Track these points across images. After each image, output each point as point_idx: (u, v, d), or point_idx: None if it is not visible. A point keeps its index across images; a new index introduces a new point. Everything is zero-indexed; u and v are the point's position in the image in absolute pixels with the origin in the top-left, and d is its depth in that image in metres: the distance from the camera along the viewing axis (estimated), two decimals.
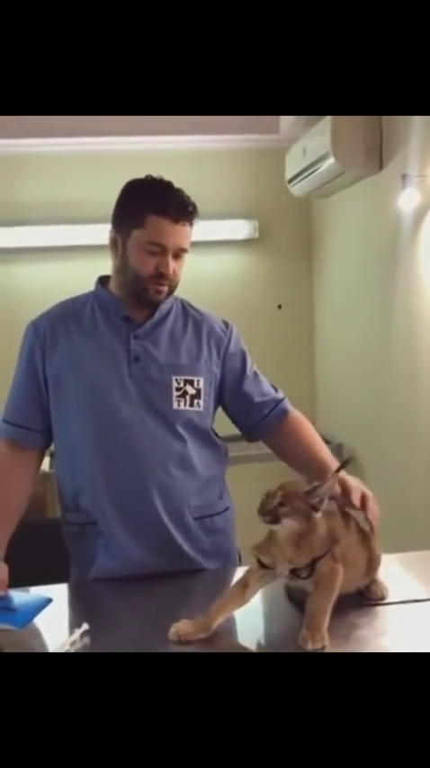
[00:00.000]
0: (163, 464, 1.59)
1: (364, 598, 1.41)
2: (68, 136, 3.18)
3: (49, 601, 1.45)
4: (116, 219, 1.60)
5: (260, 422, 1.72)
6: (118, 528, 1.59)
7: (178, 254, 1.58)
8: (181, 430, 1.62)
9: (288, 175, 3.23)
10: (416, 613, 1.37)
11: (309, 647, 1.21)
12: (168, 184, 1.58)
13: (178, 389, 1.61)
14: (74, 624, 1.33)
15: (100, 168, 3.25)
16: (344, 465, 1.34)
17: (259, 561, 1.32)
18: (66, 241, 3.36)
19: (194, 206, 1.58)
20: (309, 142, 2.92)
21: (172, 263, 1.56)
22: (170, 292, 1.62)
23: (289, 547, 1.27)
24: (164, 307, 1.66)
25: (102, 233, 1.69)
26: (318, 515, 1.27)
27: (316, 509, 1.27)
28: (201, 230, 3.36)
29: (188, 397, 1.62)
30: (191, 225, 1.58)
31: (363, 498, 1.46)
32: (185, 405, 1.62)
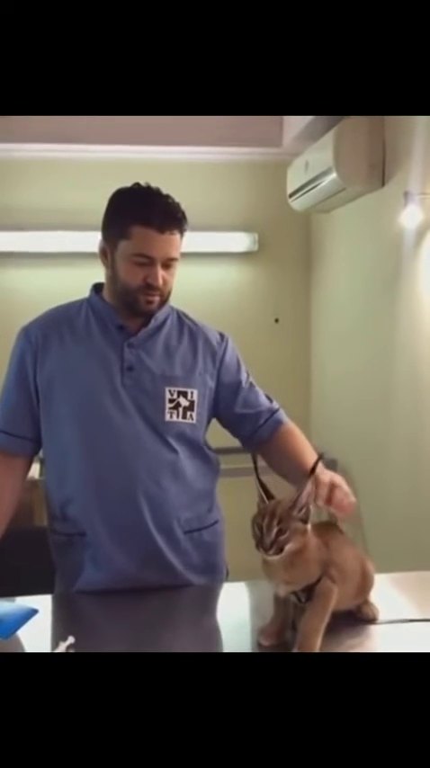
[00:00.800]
0: (153, 476, 1.56)
1: (355, 618, 1.38)
2: (69, 142, 3.17)
3: (34, 612, 1.42)
4: (104, 230, 1.57)
5: (254, 433, 1.70)
6: (106, 539, 1.56)
7: (168, 263, 1.54)
8: (172, 441, 1.59)
9: (289, 189, 3.22)
10: (407, 634, 1.35)
11: None
12: (153, 192, 1.54)
13: (171, 401, 1.59)
14: (58, 637, 1.30)
15: (99, 176, 3.24)
16: (315, 466, 1.29)
17: None
18: (63, 247, 3.34)
19: (182, 213, 1.55)
20: (312, 157, 2.92)
21: (161, 273, 1.53)
22: (163, 302, 1.60)
23: (282, 569, 1.24)
24: (159, 316, 1.63)
25: (99, 240, 1.66)
26: (309, 527, 1.25)
27: (305, 521, 1.24)
28: (200, 242, 3.43)
29: (181, 409, 1.60)
30: (180, 232, 1.54)
31: (330, 491, 1.39)
32: (178, 416, 1.59)
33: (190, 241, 3.83)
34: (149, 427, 1.57)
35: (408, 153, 2.48)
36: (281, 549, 1.20)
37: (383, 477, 2.83)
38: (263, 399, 1.72)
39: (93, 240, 1.63)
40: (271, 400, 1.74)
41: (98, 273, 1.68)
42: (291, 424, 1.72)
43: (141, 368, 1.59)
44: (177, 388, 1.60)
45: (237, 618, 1.48)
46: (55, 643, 1.28)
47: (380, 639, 1.34)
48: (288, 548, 1.21)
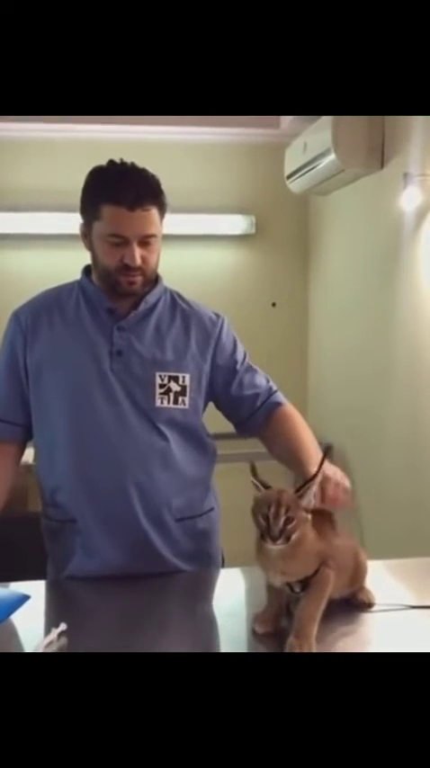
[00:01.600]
0: (142, 464, 1.53)
1: (351, 605, 1.37)
2: (65, 122, 3.13)
3: (26, 597, 1.41)
4: (81, 212, 1.53)
5: (251, 416, 1.66)
6: (95, 528, 1.54)
7: (145, 240, 1.48)
8: (163, 428, 1.55)
9: (287, 171, 3.19)
10: (403, 620, 1.34)
11: None
12: (124, 169, 1.49)
13: (161, 386, 1.55)
14: (51, 623, 1.28)
15: (95, 156, 3.17)
16: (323, 458, 1.28)
17: None
18: (58, 229, 3.30)
19: (157, 187, 1.49)
20: (310, 138, 2.88)
21: (138, 252, 1.48)
22: (147, 281, 1.55)
23: (280, 561, 1.22)
24: (150, 298, 1.59)
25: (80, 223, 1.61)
26: (308, 516, 1.23)
27: (307, 511, 1.22)
28: (196, 224, 3.40)
29: (172, 395, 1.56)
30: (157, 206, 1.49)
31: (321, 487, 1.36)
32: (169, 402, 1.56)
33: (187, 223, 3.81)
34: (139, 413, 1.54)
35: (408, 134, 2.45)
36: (288, 539, 1.18)
37: (381, 460, 2.82)
38: (260, 380, 1.68)
39: None
40: (268, 381, 1.70)
41: None
42: (289, 407, 1.69)
43: (131, 352, 1.55)
44: (168, 373, 1.56)
45: (231, 604, 1.47)
46: (47, 629, 1.27)
47: (376, 626, 1.33)
48: (294, 537, 1.19)
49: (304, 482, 1.24)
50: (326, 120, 2.72)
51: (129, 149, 3.07)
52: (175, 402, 1.56)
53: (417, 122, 2.39)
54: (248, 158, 3.53)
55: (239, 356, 1.68)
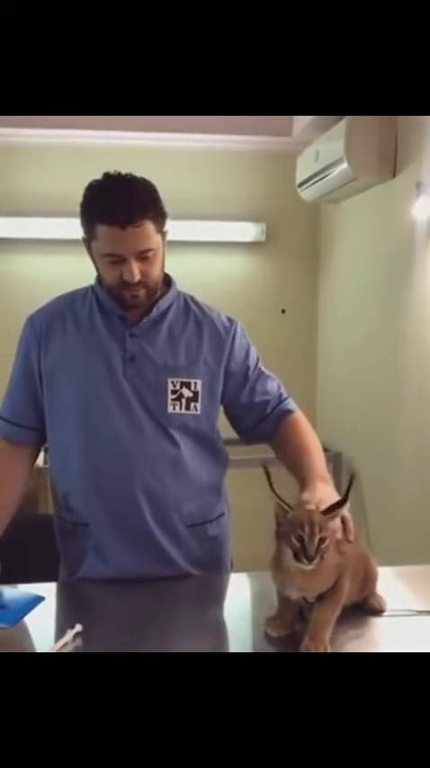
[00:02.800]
0: (153, 469, 1.54)
1: (363, 610, 1.38)
2: (73, 128, 3.15)
3: (40, 599, 1.42)
4: (82, 228, 1.52)
5: (260, 423, 1.66)
6: (107, 532, 1.56)
7: (143, 255, 1.47)
8: (175, 434, 1.56)
9: (299, 179, 3.20)
10: (412, 625, 1.35)
11: None
12: (113, 186, 1.46)
13: (174, 392, 1.56)
14: (65, 625, 1.29)
15: (104, 162, 3.20)
16: (349, 489, 1.27)
17: None
18: (65, 234, 3.31)
19: (150, 199, 1.46)
20: (323, 146, 2.90)
21: (137, 267, 1.47)
22: (152, 292, 1.54)
23: (303, 579, 1.22)
24: (163, 304, 1.59)
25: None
26: (338, 535, 1.24)
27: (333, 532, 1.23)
28: (207, 231, 3.42)
29: (184, 400, 1.56)
30: (152, 219, 1.45)
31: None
32: (181, 408, 1.56)
33: (198, 230, 3.81)
34: (151, 419, 1.55)
35: (420, 144, 2.46)
36: (322, 558, 1.18)
37: (389, 469, 2.82)
38: (271, 387, 1.68)
39: None
40: (280, 387, 1.70)
41: None
42: (298, 415, 1.68)
43: (143, 358, 1.56)
44: (180, 379, 1.56)
45: (241, 608, 1.48)
46: (62, 631, 1.28)
47: (386, 630, 1.34)
48: (326, 556, 1.19)
49: (334, 504, 1.25)
50: (338, 129, 2.73)
51: (140, 156, 3.11)
52: (187, 408, 1.57)
53: None
54: (260, 166, 3.54)
55: (252, 362, 1.68)
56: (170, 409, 1.55)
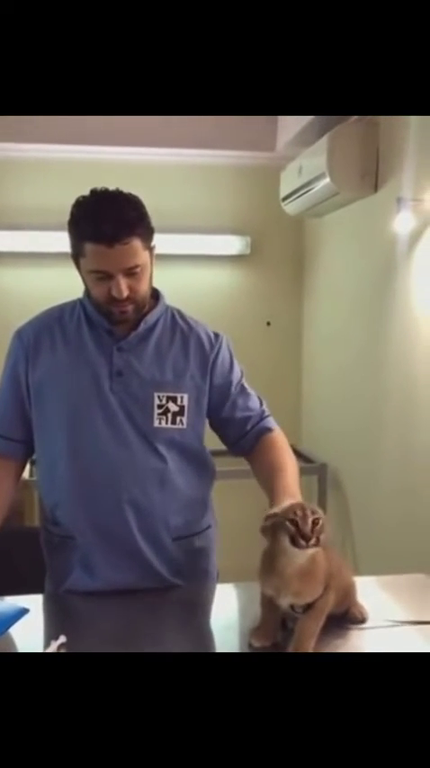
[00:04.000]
0: (139, 483, 1.55)
1: (345, 620, 1.39)
2: (64, 143, 3.18)
3: (25, 611, 1.42)
4: (70, 244, 1.53)
5: (240, 438, 1.67)
6: (93, 545, 1.56)
7: (130, 272, 1.48)
8: (161, 448, 1.57)
9: (282, 193, 3.24)
10: (396, 635, 1.36)
11: None
12: (99, 204, 1.46)
13: (160, 407, 1.56)
14: (50, 636, 1.30)
15: (94, 177, 3.24)
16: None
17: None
18: (59, 248, 3.31)
19: (137, 215, 1.46)
20: (306, 161, 2.94)
21: (124, 283, 1.47)
22: (140, 307, 1.55)
23: (297, 581, 1.24)
24: (150, 318, 1.60)
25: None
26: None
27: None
28: (193, 244, 3.45)
29: (170, 415, 1.57)
30: (139, 236, 1.46)
31: None
32: (167, 422, 1.57)
33: (184, 244, 3.83)
34: (138, 434, 1.55)
35: (401, 159, 2.50)
36: (318, 540, 1.19)
37: (374, 480, 2.85)
38: (253, 404, 1.69)
39: None
40: (261, 403, 1.71)
41: None
42: (276, 434, 1.68)
43: (130, 373, 1.56)
44: (166, 394, 1.57)
45: (226, 619, 1.49)
46: (46, 642, 1.28)
47: (368, 640, 1.35)
48: (322, 537, 1.20)
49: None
50: (321, 145, 2.77)
51: (127, 171, 3.14)
52: (173, 422, 1.57)
53: (411, 147, 2.44)
54: (245, 181, 3.58)
55: (235, 378, 1.68)
56: (156, 423, 1.56)
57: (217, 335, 1.69)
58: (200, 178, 3.51)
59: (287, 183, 3.18)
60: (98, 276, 1.48)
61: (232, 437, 1.68)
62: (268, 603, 1.31)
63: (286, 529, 1.20)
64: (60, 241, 3.30)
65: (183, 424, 1.58)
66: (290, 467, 1.58)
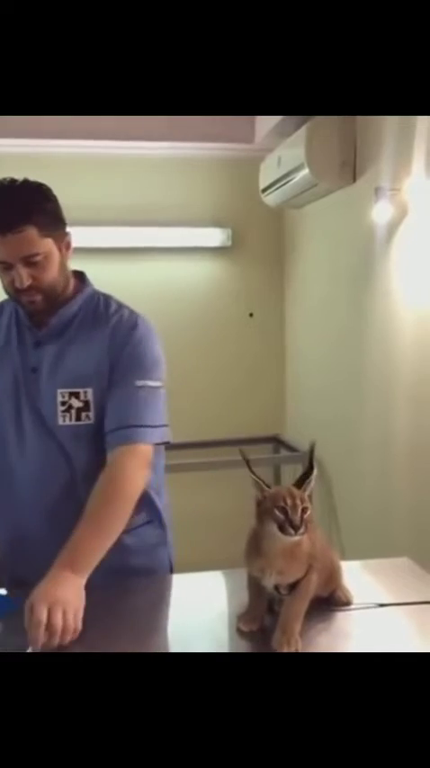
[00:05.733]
0: (49, 488, 1.52)
1: (330, 602, 1.42)
2: (44, 138, 3.16)
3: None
4: None
5: (106, 434, 1.51)
6: (18, 556, 1.56)
7: (30, 261, 1.44)
8: (69, 447, 1.51)
9: (262, 185, 3.26)
10: (380, 617, 1.39)
11: (284, 650, 1.23)
12: None
13: (63, 403, 1.51)
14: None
15: (73, 171, 3.25)
16: (312, 455, 1.30)
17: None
18: None
19: (27, 206, 1.42)
20: (284, 153, 2.95)
21: (25, 273, 1.43)
22: (51, 297, 1.50)
23: (282, 560, 1.26)
24: (65, 311, 1.55)
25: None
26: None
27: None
28: (173, 237, 3.46)
29: (74, 411, 1.51)
30: (33, 224, 1.41)
31: None
32: (71, 419, 1.51)
33: (164, 236, 3.81)
34: (47, 434, 1.52)
35: (379, 149, 2.53)
36: (306, 528, 1.21)
37: (358, 469, 2.88)
38: (135, 408, 1.49)
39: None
40: (143, 418, 1.49)
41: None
42: (122, 465, 1.45)
43: (41, 369, 1.53)
44: (68, 389, 1.51)
45: (219, 607, 1.49)
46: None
47: (353, 622, 1.38)
48: (309, 526, 1.22)
49: (302, 475, 1.27)
50: (299, 136, 2.79)
51: (106, 164, 3.13)
52: (78, 419, 1.51)
53: (388, 137, 2.46)
54: (224, 172, 3.59)
55: (135, 370, 1.52)
56: (60, 421, 1.51)
57: (135, 325, 1.56)
58: (179, 171, 3.52)
59: (266, 174, 3.20)
60: (2, 266, 1.46)
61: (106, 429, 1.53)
62: (254, 586, 1.33)
63: (274, 516, 1.22)
64: None
65: (90, 419, 1.51)
66: (95, 521, 1.38)
